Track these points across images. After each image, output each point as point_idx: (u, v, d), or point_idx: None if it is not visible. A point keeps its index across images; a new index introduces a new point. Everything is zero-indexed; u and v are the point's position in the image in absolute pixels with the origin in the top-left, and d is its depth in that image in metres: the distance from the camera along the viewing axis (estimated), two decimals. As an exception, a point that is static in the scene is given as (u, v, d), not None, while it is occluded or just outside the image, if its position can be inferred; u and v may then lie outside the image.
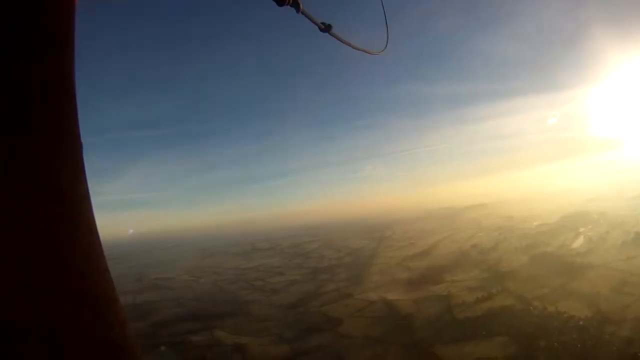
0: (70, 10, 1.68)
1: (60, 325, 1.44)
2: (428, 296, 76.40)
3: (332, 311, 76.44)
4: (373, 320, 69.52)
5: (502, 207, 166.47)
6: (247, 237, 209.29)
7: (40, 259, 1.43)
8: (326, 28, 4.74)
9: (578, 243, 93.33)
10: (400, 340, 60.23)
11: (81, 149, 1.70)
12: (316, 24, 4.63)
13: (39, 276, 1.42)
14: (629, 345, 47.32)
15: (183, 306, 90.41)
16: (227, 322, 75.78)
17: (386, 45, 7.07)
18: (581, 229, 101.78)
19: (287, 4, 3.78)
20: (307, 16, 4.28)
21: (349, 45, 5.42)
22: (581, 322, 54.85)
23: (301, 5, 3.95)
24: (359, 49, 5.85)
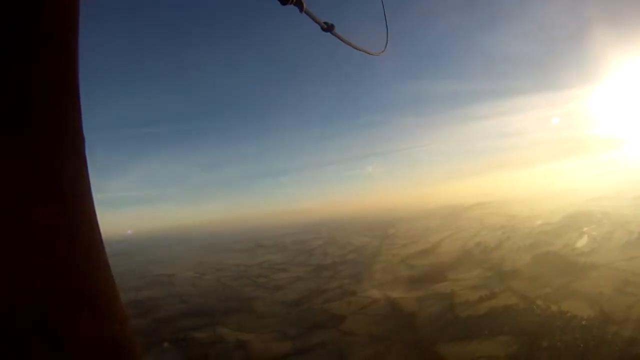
0: (74, 5, 1.69)
1: (61, 322, 1.43)
2: (431, 294, 76.36)
3: (335, 308, 76.49)
4: (376, 318, 69.57)
5: (505, 206, 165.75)
6: (250, 233, 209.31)
7: (40, 256, 1.42)
8: (328, 28, 4.77)
9: (581, 243, 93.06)
10: (402, 338, 60.29)
11: (83, 145, 1.71)
12: (319, 23, 4.66)
13: (39, 273, 1.41)
14: (631, 345, 47.29)
15: (186, 303, 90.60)
16: (230, 318, 75.92)
17: (386, 46, 7.10)
18: (584, 229, 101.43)
19: (290, 3, 3.79)
20: (309, 15, 4.31)
21: (350, 45, 5.45)
22: (584, 322, 54.78)
23: (304, 4, 3.97)
24: (359, 49, 5.88)
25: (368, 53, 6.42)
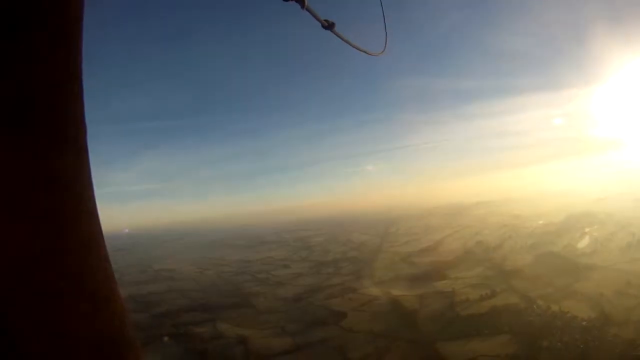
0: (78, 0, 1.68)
1: (60, 317, 1.43)
2: (432, 292, 76.45)
3: (336, 305, 76.58)
4: (377, 315, 69.62)
5: (507, 205, 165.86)
6: (252, 230, 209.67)
7: (39, 250, 1.42)
8: (329, 26, 4.77)
9: (583, 243, 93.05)
10: (403, 335, 60.35)
11: (85, 139, 1.71)
12: (319, 20, 4.66)
13: (38, 268, 1.41)
14: (631, 347, 47.34)
15: (187, 297, 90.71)
16: (230, 314, 76.03)
17: (385, 47, 7.10)
18: (587, 229, 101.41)
19: (292, 0, 3.83)
20: (311, 12, 4.31)
21: (350, 44, 5.45)
22: (584, 323, 54.84)
23: (306, 2, 3.97)
24: (359, 49, 5.88)
25: (368, 53, 6.42)
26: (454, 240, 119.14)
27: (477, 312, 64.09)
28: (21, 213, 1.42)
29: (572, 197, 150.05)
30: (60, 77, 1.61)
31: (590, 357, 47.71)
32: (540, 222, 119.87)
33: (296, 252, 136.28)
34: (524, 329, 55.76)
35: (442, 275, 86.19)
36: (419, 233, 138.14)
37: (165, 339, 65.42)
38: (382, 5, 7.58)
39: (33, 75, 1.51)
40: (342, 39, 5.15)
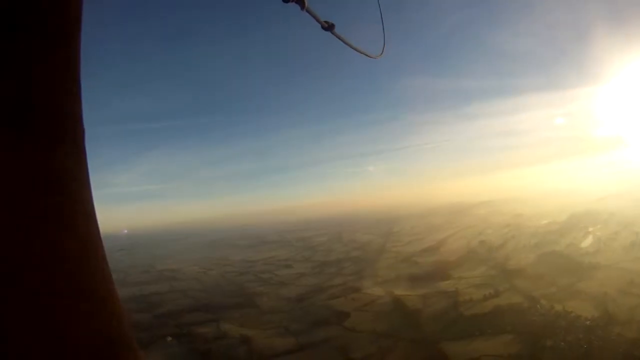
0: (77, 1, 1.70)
1: (57, 318, 1.43)
2: (435, 292, 76.39)
3: (339, 305, 76.58)
4: (380, 314, 69.62)
5: (510, 205, 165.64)
6: (255, 230, 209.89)
7: (36, 251, 1.41)
8: (329, 27, 4.78)
9: (587, 242, 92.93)
10: (406, 335, 60.32)
11: (83, 139, 1.73)
12: (319, 22, 4.67)
13: (35, 268, 1.41)
14: (635, 346, 47.23)
15: (190, 298, 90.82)
16: (233, 314, 76.11)
17: (383, 49, 7.13)
18: (590, 229, 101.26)
19: (292, 1, 3.85)
20: (311, 14, 4.33)
21: (349, 46, 5.47)
22: (588, 322, 54.73)
23: (306, 3, 4.01)
24: (358, 51, 5.90)
25: (366, 55, 6.45)
26: (456, 240, 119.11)
27: (480, 311, 64.03)
28: (19, 213, 1.41)
29: (574, 196, 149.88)
30: (59, 78, 1.62)
31: (594, 356, 47.60)
32: (543, 221, 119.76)
33: (299, 252, 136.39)
34: (527, 328, 55.69)
35: (445, 275, 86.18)
36: (422, 233, 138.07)
37: (169, 339, 65.55)
38: (380, 8, 7.63)
39: (32, 76, 1.51)
40: (341, 40, 5.17)
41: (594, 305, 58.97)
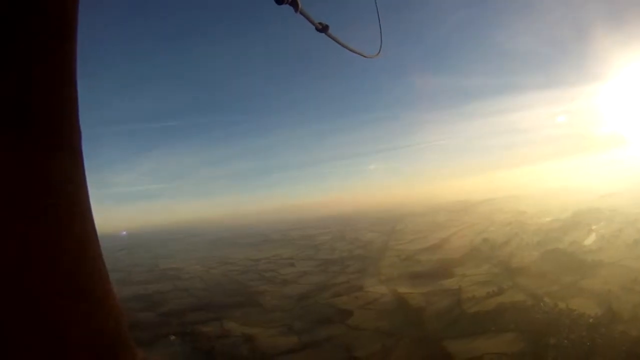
0: (72, 2, 1.70)
1: (55, 317, 1.43)
2: (438, 290, 76.40)
3: (342, 303, 76.67)
4: (383, 313, 69.64)
5: (513, 202, 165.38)
6: (258, 228, 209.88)
7: (33, 252, 1.42)
8: (323, 28, 4.78)
9: (590, 240, 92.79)
10: (409, 333, 60.31)
11: (80, 140, 1.72)
12: (313, 23, 4.66)
13: (32, 269, 1.41)
14: (639, 344, 47.12)
15: (193, 296, 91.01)
16: (237, 312, 76.20)
17: (380, 49, 7.10)
18: (593, 226, 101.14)
19: (285, 3, 3.85)
20: (304, 16, 4.33)
21: (344, 46, 5.47)
22: (591, 320, 54.64)
23: (300, 5, 4.00)
24: (354, 51, 5.89)
25: (363, 56, 6.44)
26: (460, 238, 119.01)
27: (483, 309, 63.99)
28: (15, 214, 1.41)
29: (577, 194, 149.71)
30: (56, 79, 1.63)
31: (598, 354, 47.53)
32: (546, 219, 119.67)
33: (302, 251, 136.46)
34: (530, 326, 55.60)
35: (448, 273, 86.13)
36: (425, 231, 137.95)
37: (172, 337, 65.69)
38: (377, 8, 7.62)
39: (29, 78, 1.51)
40: (336, 41, 5.17)
41: (598, 303, 58.87)
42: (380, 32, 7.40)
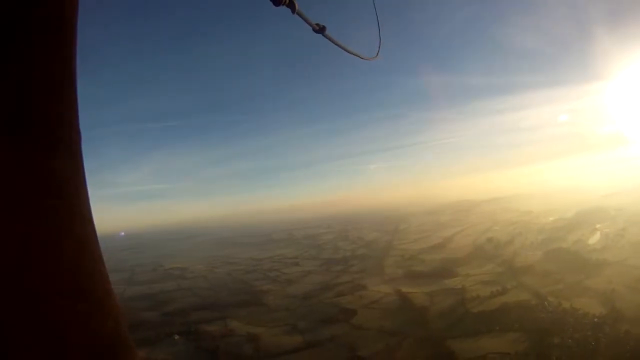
0: (72, 3, 1.73)
1: (55, 318, 1.44)
2: (442, 289, 76.38)
3: (346, 302, 76.74)
4: (387, 312, 69.65)
5: (517, 202, 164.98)
6: (262, 228, 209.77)
7: (33, 252, 1.43)
8: (320, 29, 4.78)
9: (594, 239, 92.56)
10: (413, 332, 60.34)
11: (79, 142, 1.75)
12: (310, 25, 4.67)
13: (32, 269, 1.42)
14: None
15: (197, 296, 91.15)
16: (241, 311, 76.29)
17: (378, 51, 7.10)
18: (597, 225, 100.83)
19: (283, 4, 3.86)
20: (302, 17, 4.34)
21: (342, 48, 5.47)
22: (596, 320, 54.60)
23: (297, 6, 4.03)
24: (352, 53, 5.89)
25: (361, 57, 6.44)
26: (463, 237, 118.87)
27: (487, 309, 63.93)
28: (15, 214, 1.42)
29: (581, 193, 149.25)
30: (56, 80, 1.67)
31: (602, 354, 47.45)
32: (550, 218, 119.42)
33: (305, 250, 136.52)
34: (534, 325, 55.53)
35: (452, 273, 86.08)
36: (428, 230, 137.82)
37: (176, 336, 65.81)
38: (376, 11, 7.64)
39: (28, 78, 1.53)
40: (334, 42, 5.17)
41: (602, 302, 58.80)
42: (379, 35, 7.41)
